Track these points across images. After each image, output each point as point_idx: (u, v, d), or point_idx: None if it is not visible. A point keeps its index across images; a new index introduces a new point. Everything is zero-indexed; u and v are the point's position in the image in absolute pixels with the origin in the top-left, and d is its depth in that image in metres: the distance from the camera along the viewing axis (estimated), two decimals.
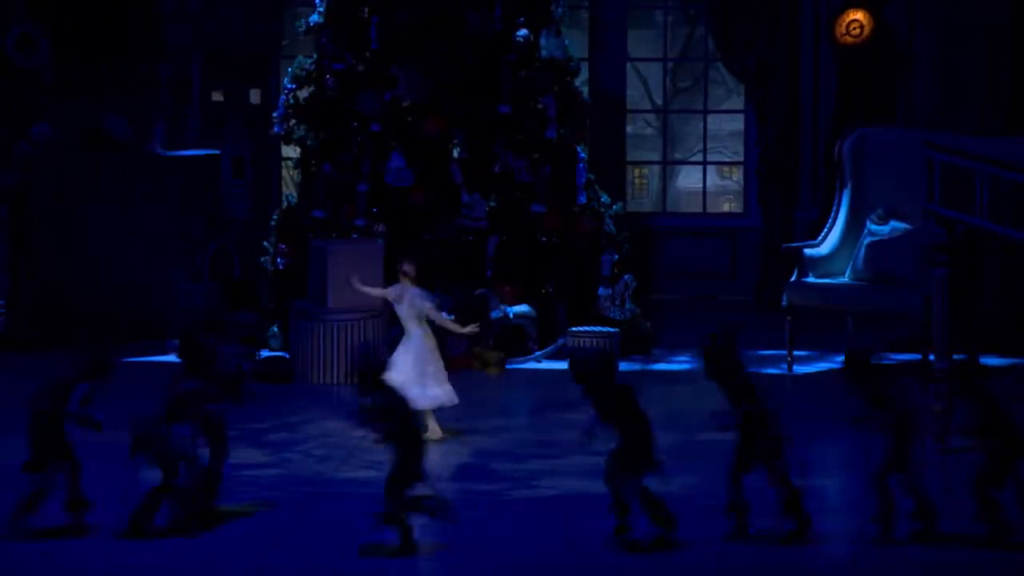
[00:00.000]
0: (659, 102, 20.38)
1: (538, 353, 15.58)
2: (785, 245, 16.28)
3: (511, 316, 15.50)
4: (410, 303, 12.50)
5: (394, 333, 13.27)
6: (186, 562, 9.58)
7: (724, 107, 20.44)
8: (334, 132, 16.07)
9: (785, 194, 18.26)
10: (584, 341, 14.91)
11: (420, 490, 9.69)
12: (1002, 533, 9.98)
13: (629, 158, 19.85)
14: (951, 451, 12.14)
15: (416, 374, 12.23)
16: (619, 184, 18.59)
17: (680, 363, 15.60)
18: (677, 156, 21.04)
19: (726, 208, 21.38)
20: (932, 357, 12.71)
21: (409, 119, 15.92)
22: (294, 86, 16.34)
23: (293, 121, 16.28)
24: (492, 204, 15.87)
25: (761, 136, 18.43)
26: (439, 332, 12.81)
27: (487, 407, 13.98)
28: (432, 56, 15.87)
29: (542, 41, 16.08)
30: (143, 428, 9.82)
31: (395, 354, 12.14)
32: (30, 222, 16.13)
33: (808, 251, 15.56)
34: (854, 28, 17.75)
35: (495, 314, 15.42)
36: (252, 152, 17.21)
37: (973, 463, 10.13)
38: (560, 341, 15.50)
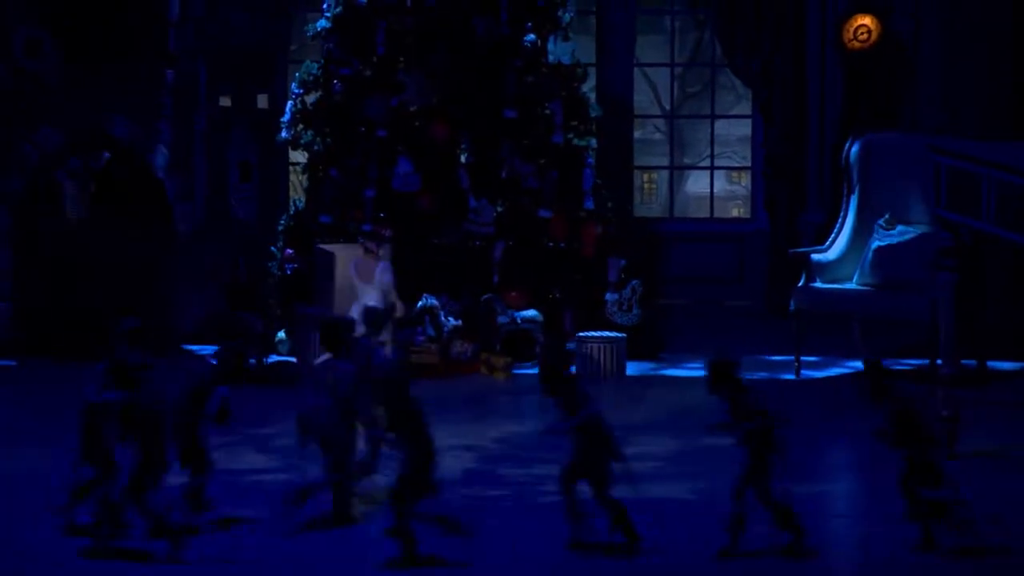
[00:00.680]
0: (668, 107, 20.37)
1: None
2: (792, 250, 16.27)
3: (518, 321, 15.49)
4: (379, 278, 12.66)
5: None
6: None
7: (733, 112, 20.42)
8: (341, 137, 16.08)
9: (792, 199, 18.25)
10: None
11: (429, 506, 9.67)
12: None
13: (638, 163, 19.84)
14: (958, 456, 12.13)
15: None
16: (627, 189, 18.58)
17: (688, 368, 15.58)
18: (686, 161, 21.04)
19: (735, 213, 21.37)
20: (939, 362, 12.68)
21: (416, 124, 15.93)
22: (301, 91, 16.36)
23: (300, 126, 16.30)
24: (499, 209, 15.87)
25: (768, 140, 18.42)
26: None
27: (494, 412, 13.98)
28: (439, 61, 15.88)
29: (549, 46, 16.08)
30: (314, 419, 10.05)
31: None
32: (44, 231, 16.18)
33: (815, 256, 15.54)
34: (861, 33, 17.74)
35: (502, 319, 15.42)
36: (259, 157, 17.22)
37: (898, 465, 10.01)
38: (568, 346, 15.48)
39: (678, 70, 20.22)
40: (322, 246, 15.40)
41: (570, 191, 16.03)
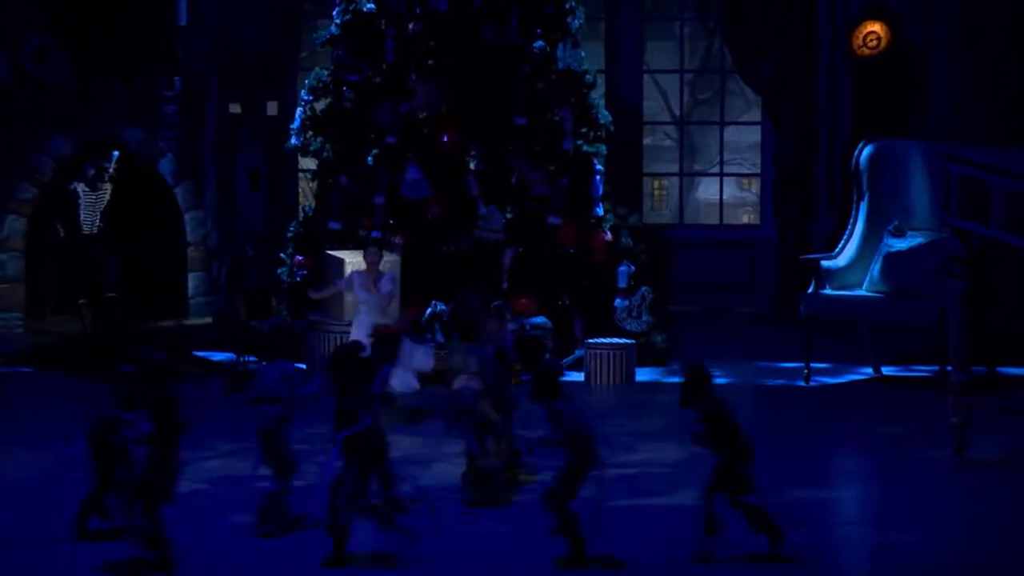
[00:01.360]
0: (678, 114, 20.36)
1: None
2: (802, 257, 16.25)
3: (528, 328, 15.48)
4: (381, 289, 12.70)
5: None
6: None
7: (743, 119, 20.41)
8: (350, 144, 16.09)
9: (802, 206, 18.23)
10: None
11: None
12: (775, 542, 9.82)
13: (649, 170, 19.83)
14: (968, 463, 12.11)
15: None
16: (636, 196, 18.57)
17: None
18: (697, 168, 21.01)
19: (745, 219, 21.35)
20: (949, 368, 12.66)
21: (425, 131, 15.93)
22: (311, 98, 16.36)
23: (310, 133, 16.31)
24: (508, 216, 15.86)
25: (778, 147, 18.40)
26: None
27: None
28: (448, 68, 15.88)
29: (559, 53, 16.08)
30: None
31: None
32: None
33: (825, 262, 15.53)
34: (871, 40, 17.72)
35: (511, 326, 15.38)
36: (269, 164, 17.23)
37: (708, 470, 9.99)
38: (577, 353, 15.48)
39: (688, 77, 20.20)
40: (331, 252, 15.41)
41: (580, 198, 16.02)
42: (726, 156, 20.06)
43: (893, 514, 11.09)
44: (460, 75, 15.90)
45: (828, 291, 15.38)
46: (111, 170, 16.24)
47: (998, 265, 14.40)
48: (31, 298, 16.78)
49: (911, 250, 15.11)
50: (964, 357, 12.32)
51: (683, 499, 11.33)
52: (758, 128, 19.38)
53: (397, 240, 15.64)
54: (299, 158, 17.91)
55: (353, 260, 15.00)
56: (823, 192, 18.25)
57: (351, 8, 16.17)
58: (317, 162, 16.54)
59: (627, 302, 15.91)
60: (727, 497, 9.79)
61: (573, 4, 16.20)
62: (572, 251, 15.89)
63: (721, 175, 19.99)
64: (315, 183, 16.68)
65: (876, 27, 17.71)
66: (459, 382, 11.41)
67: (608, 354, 15.21)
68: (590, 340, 15.42)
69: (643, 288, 15.98)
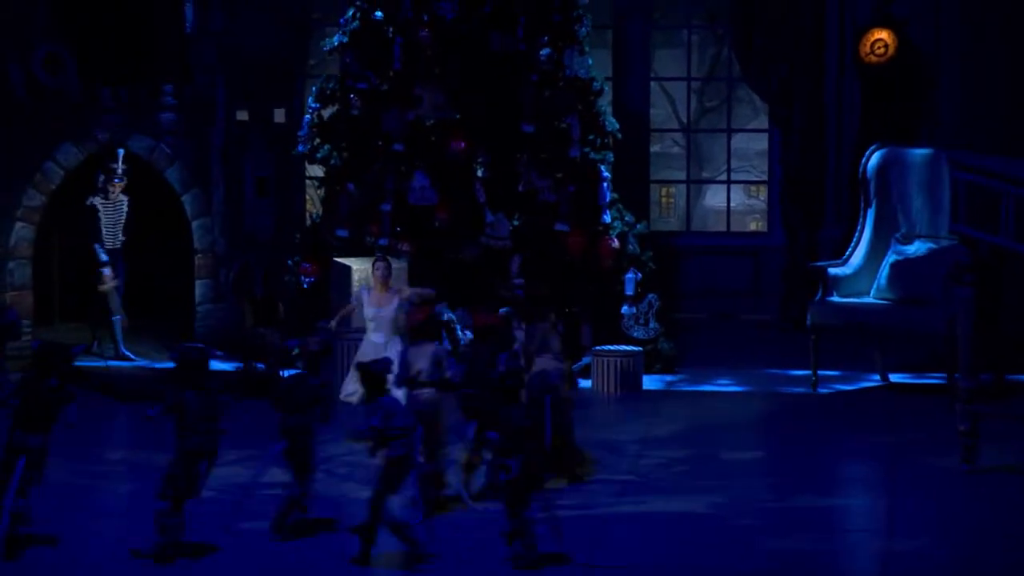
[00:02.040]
0: (685, 121, 20.35)
1: None
2: (809, 264, 16.23)
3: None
4: (400, 308, 12.55)
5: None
6: None
7: (751, 126, 20.39)
8: (358, 151, 16.08)
9: (809, 213, 18.20)
10: None
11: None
12: (528, 553, 9.97)
13: (656, 177, 19.81)
14: (977, 471, 12.09)
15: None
16: (644, 203, 18.55)
17: (704, 382, 15.56)
18: (705, 175, 20.99)
19: (752, 227, 21.33)
20: (958, 376, 12.64)
21: (433, 138, 15.93)
22: (318, 105, 16.37)
23: (317, 140, 16.31)
24: (516, 223, 15.86)
25: (785, 155, 18.39)
26: None
27: None
28: (455, 76, 15.88)
29: (566, 60, 16.07)
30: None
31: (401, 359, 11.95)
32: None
33: (833, 270, 15.51)
34: (879, 47, 17.70)
35: (518, 333, 15.36)
36: (276, 171, 17.22)
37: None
38: (585, 360, 15.46)
39: (695, 84, 20.20)
40: (339, 260, 15.40)
41: (587, 205, 16.01)
42: (733, 163, 20.05)
43: (901, 521, 11.09)
44: (467, 83, 15.90)
45: (836, 298, 15.36)
46: (120, 169, 16.20)
47: (1006, 273, 14.37)
48: (39, 305, 16.78)
49: (919, 258, 15.09)
50: (972, 365, 12.31)
51: (692, 506, 11.33)
52: (765, 135, 19.37)
53: (404, 247, 15.64)
54: (306, 165, 17.90)
55: (360, 267, 14.99)
56: (830, 199, 18.23)
57: (359, 16, 16.17)
58: (324, 169, 16.54)
59: (634, 309, 15.90)
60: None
61: (580, 12, 16.19)
62: (579, 258, 15.88)
63: (728, 182, 19.98)
64: (322, 190, 16.67)
65: (884, 35, 17.69)
66: (541, 362, 11.79)
67: (615, 361, 15.19)
68: (597, 347, 15.41)
69: (650, 295, 15.97)
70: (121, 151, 16.23)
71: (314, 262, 15.94)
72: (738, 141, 20.14)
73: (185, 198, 16.77)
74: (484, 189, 15.84)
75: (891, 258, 15.30)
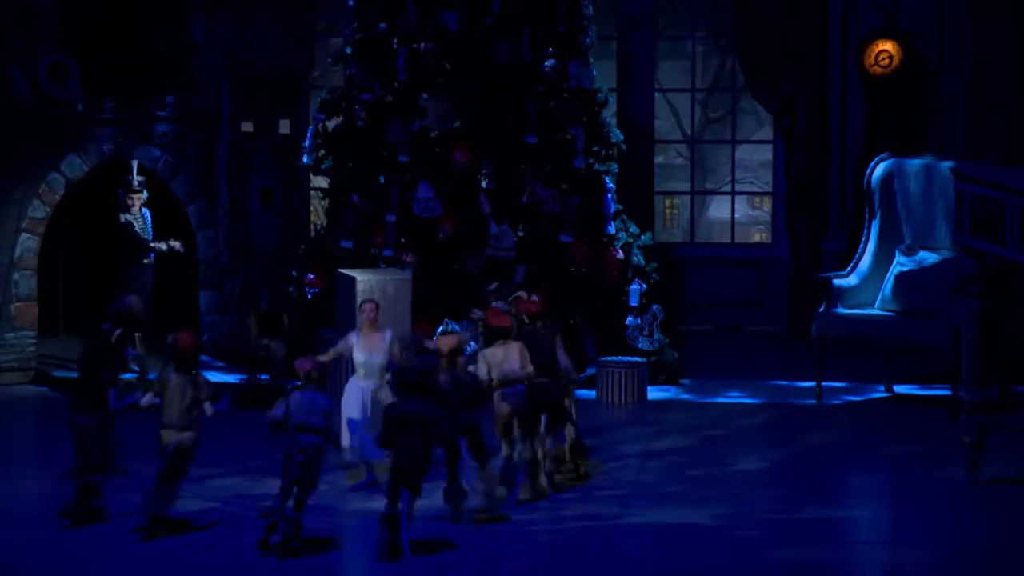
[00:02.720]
0: (689, 132, 20.36)
1: None
2: (814, 275, 16.22)
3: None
4: (386, 346, 12.34)
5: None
6: None
7: (755, 137, 20.40)
8: (362, 162, 16.09)
9: (813, 224, 18.21)
10: None
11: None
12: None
13: (661, 188, 19.82)
14: (982, 483, 12.08)
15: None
16: (648, 214, 18.55)
17: (709, 393, 15.55)
18: (709, 186, 21.01)
19: (756, 238, 21.34)
20: (962, 389, 12.63)
21: (437, 149, 15.93)
22: (323, 116, 16.37)
23: (322, 151, 16.31)
24: (520, 234, 15.86)
25: (789, 166, 18.39)
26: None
27: None
28: (460, 86, 15.89)
29: (571, 71, 16.08)
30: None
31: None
32: None
33: (837, 281, 15.51)
34: (883, 58, 17.71)
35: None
36: (281, 182, 17.23)
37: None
38: (589, 371, 15.46)
39: (700, 95, 20.21)
40: (343, 271, 15.40)
41: (591, 216, 16.01)
42: (738, 175, 20.06)
43: (906, 533, 11.08)
44: (472, 93, 15.91)
45: (840, 310, 15.35)
46: (135, 182, 16.10)
47: (1012, 285, 14.35)
48: (44, 317, 16.78)
49: (924, 269, 15.08)
50: (977, 377, 12.29)
51: (696, 517, 11.32)
52: (770, 147, 19.38)
53: (408, 258, 15.63)
54: (311, 176, 17.89)
55: (364, 278, 14.98)
56: (835, 211, 18.23)
57: (363, 27, 16.18)
58: (329, 180, 16.54)
59: (639, 320, 15.90)
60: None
61: (585, 23, 16.20)
62: (584, 269, 15.88)
63: (733, 193, 19.99)
64: (327, 201, 16.67)
65: (888, 46, 17.70)
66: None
67: (620, 372, 15.19)
68: (602, 358, 15.40)
69: (655, 306, 15.97)
70: (135, 163, 16.17)
71: (318, 273, 15.94)
72: (742, 152, 20.16)
73: (190, 209, 16.78)
74: (488, 200, 15.84)
75: (896, 269, 15.29)
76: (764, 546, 10.67)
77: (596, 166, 16.15)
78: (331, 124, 16.40)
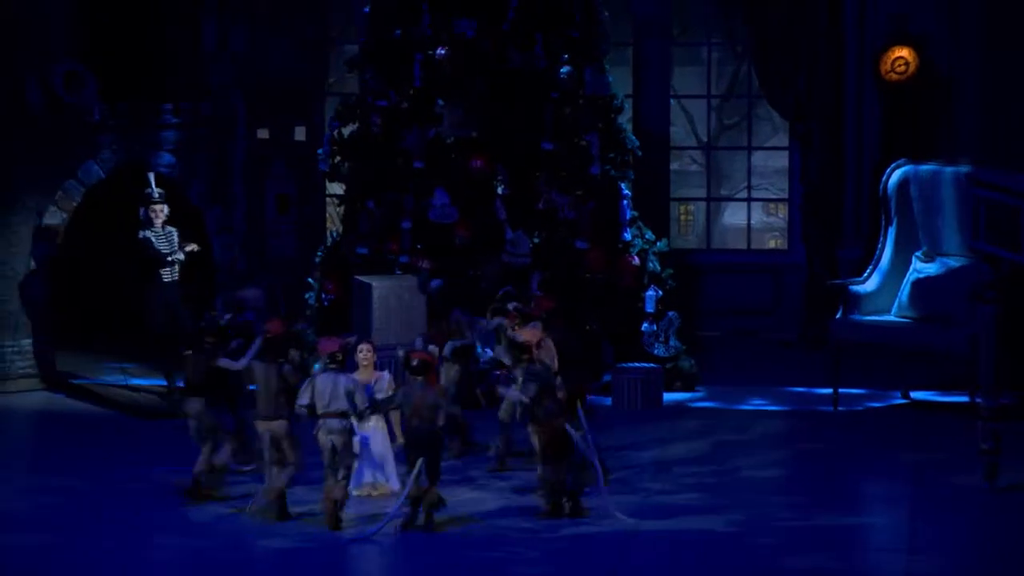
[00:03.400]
0: (705, 139, 20.34)
1: None
2: (830, 282, 16.19)
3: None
4: (381, 383, 12.26)
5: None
6: None
7: (770, 144, 20.38)
8: (378, 169, 16.10)
9: (829, 231, 18.19)
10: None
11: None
12: None
13: (676, 195, 19.80)
14: (999, 490, 12.05)
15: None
16: (663, 221, 18.53)
17: (725, 399, 15.54)
18: (724, 192, 20.98)
19: (772, 244, 21.31)
20: (979, 396, 12.60)
21: (453, 156, 15.94)
22: (339, 123, 16.39)
23: (338, 158, 16.33)
24: (536, 240, 15.86)
25: (805, 172, 18.37)
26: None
27: (527, 444, 13.93)
28: (475, 93, 15.89)
29: (586, 78, 16.09)
30: None
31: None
32: None
33: (853, 288, 15.49)
34: (899, 65, 17.69)
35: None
36: (297, 189, 17.24)
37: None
38: (605, 378, 15.46)
39: (715, 102, 20.19)
40: (359, 278, 15.41)
41: (607, 223, 16.01)
42: (753, 181, 20.03)
43: (923, 540, 11.05)
44: (487, 100, 15.91)
45: (856, 316, 15.33)
46: (155, 194, 15.92)
47: None
48: (60, 324, 16.79)
49: (941, 275, 15.06)
50: (995, 383, 12.27)
51: (711, 524, 11.30)
52: (785, 153, 19.35)
53: (424, 264, 15.64)
54: (327, 183, 17.93)
55: (380, 285, 14.98)
56: (851, 217, 18.21)
57: (378, 34, 16.19)
58: (344, 187, 16.55)
59: (655, 327, 15.89)
60: None
61: (601, 29, 16.20)
62: (599, 276, 15.87)
63: (748, 200, 19.96)
64: (342, 208, 16.68)
65: (904, 52, 17.67)
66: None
67: (636, 379, 15.18)
68: (618, 365, 15.39)
69: (670, 313, 15.96)
70: (151, 174, 15.98)
71: (334, 280, 15.96)
72: (758, 159, 20.12)
73: (207, 216, 16.81)
74: (504, 206, 15.84)
75: (912, 276, 15.27)
76: (780, 553, 10.66)
77: (612, 172, 16.15)
78: (347, 131, 16.42)
